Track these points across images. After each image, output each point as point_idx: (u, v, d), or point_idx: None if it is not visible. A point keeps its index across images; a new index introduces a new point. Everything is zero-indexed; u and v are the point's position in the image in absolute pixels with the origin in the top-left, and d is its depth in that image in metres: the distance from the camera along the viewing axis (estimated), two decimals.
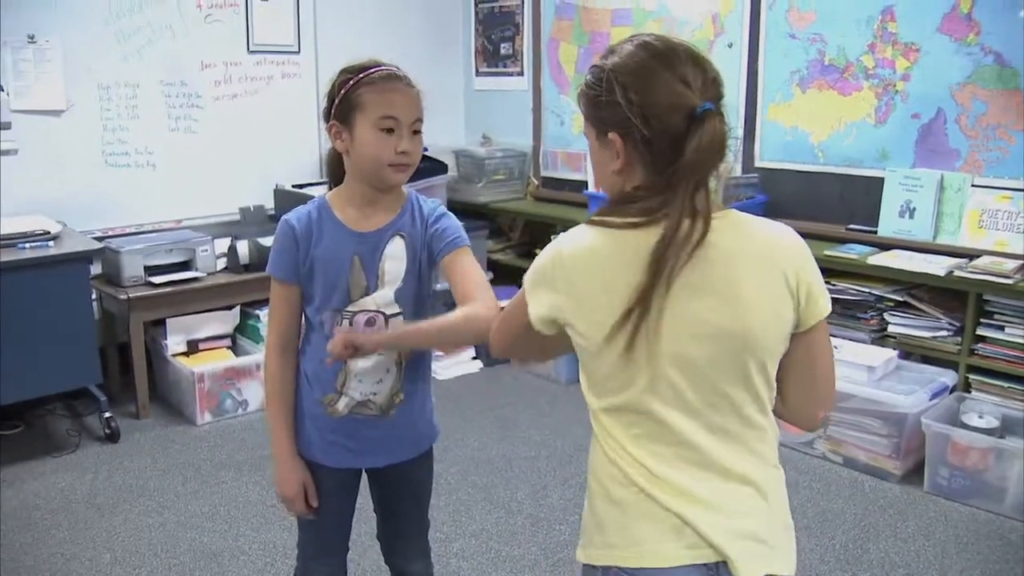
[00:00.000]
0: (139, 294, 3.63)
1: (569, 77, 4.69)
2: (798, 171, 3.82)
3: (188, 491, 3.12)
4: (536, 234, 4.76)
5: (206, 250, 3.83)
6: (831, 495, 3.05)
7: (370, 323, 1.65)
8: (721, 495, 1.21)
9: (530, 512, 2.97)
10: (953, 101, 3.34)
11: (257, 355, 3.81)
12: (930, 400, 3.10)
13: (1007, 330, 3.10)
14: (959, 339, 3.23)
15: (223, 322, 3.91)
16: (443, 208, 1.71)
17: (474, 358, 4.34)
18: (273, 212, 4.24)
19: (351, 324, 1.65)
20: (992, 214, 3.27)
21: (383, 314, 1.66)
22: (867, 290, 3.40)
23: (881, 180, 3.52)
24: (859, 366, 3.18)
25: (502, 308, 1.44)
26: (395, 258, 1.65)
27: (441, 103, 5.10)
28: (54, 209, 3.68)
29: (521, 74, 4.95)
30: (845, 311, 3.45)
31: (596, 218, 1.21)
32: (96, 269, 3.64)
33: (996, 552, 2.71)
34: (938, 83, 3.36)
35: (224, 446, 3.49)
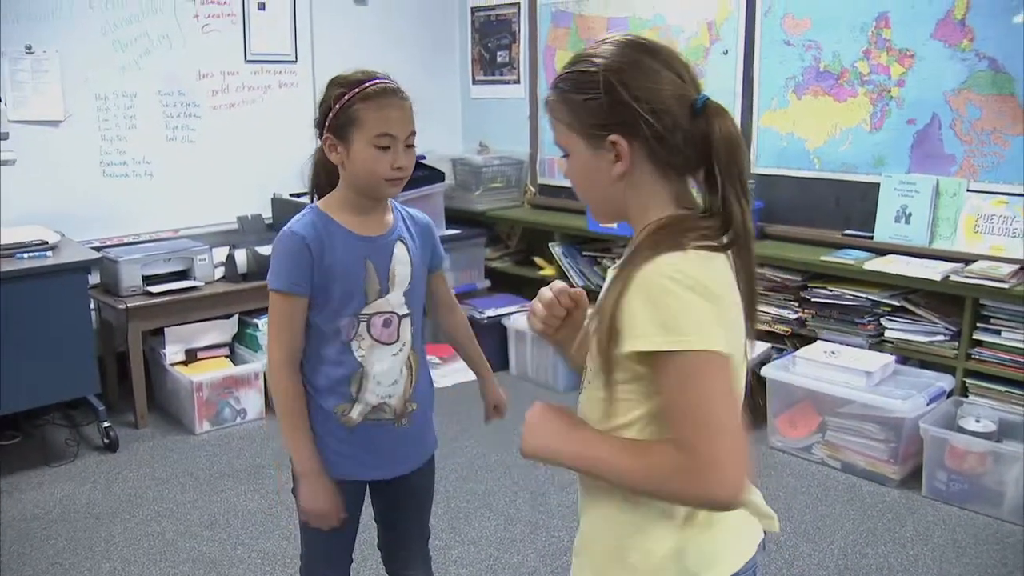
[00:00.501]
0: (137, 303, 3.63)
1: None
2: (794, 177, 3.83)
3: (187, 500, 3.12)
4: (533, 242, 4.77)
5: (204, 259, 3.83)
6: (829, 500, 3.05)
7: (387, 324, 1.70)
8: None
9: (529, 519, 2.97)
10: (948, 106, 3.35)
11: (255, 364, 3.81)
12: (928, 405, 3.10)
13: (1004, 334, 3.11)
14: (956, 344, 3.24)
15: (221, 331, 3.91)
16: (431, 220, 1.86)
17: None
18: (271, 221, 4.24)
19: (368, 325, 1.68)
20: (988, 219, 3.28)
21: (396, 315, 1.71)
22: (864, 295, 3.40)
23: (877, 186, 3.54)
24: (857, 371, 3.19)
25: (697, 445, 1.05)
26: (402, 262, 1.72)
27: (438, 111, 5.14)
28: (52, 219, 3.68)
29: (518, 82, 4.96)
30: (842, 316, 3.46)
31: (701, 244, 1.10)
32: (94, 279, 3.64)
33: (994, 556, 2.72)
34: (933, 89, 3.38)
35: (223, 455, 3.49)
